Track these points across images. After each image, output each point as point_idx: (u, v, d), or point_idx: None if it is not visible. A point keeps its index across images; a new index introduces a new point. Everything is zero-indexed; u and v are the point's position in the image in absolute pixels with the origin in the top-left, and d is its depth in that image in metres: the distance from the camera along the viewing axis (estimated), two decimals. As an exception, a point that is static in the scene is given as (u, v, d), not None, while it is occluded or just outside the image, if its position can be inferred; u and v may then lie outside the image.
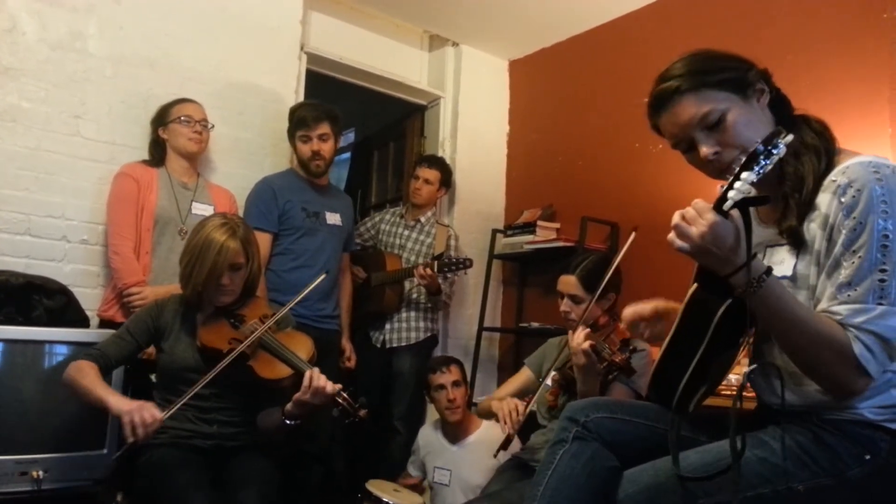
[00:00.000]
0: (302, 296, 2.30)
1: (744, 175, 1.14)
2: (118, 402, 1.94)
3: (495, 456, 2.38)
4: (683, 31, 3.35)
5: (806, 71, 2.76)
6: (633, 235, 2.16)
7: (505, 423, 2.24)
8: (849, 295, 1.21)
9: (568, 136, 3.96)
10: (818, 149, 1.32)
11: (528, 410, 2.28)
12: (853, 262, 1.21)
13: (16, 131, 2.72)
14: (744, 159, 1.15)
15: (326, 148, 3.05)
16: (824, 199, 1.28)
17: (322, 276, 2.38)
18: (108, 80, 2.94)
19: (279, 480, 2.13)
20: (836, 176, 1.27)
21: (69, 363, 2.07)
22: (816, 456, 1.25)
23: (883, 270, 1.20)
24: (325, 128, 3.02)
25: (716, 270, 1.24)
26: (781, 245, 1.35)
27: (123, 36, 2.99)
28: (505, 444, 2.26)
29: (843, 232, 1.23)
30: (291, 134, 3.08)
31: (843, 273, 1.22)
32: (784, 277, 1.32)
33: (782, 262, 1.34)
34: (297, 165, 3.16)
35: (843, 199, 1.24)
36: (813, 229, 1.29)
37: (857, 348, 1.19)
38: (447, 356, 3.30)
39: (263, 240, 2.88)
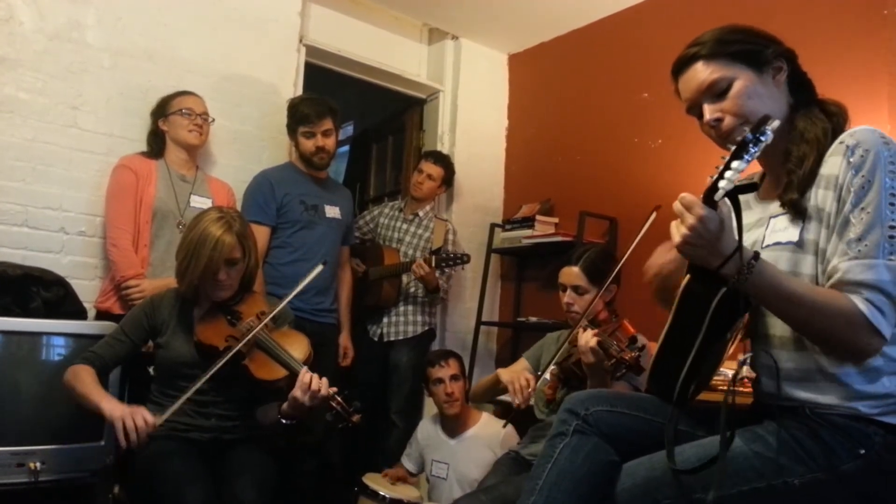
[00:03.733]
0: (300, 288, 2.28)
1: (734, 164, 1.15)
2: (111, 408, 1.92)
3: (504, 426, 2.38)
4: (683, 26, 3.33)
5: (805, 67, 2.75)
6: (654, 215, 2.13)
7: (515, 395, 2.22)
8: (859, 250, 1.22)
9: (567, 131, 3.95)
10: (826, 129, 1.34)
11: (536, 385, 2.27)
12: (862, 218, 1.22)
13: (13, 122, 2.71)
14: (733, 149, 1.16)
15: (330, 143, 3.05)
16: (832, 162, 1.29)
17: (319, 268, 2.34)
18: (106, 72, 2.93)
19: (275, 473, 2.13)
20: (843, 138, 1.29)
21: (67, 369, 2.07)
22: (811, 450, 1.25)
23: (892, 227, 1.21)
24: (328, 123, 3.02)
25: (704, 264, 1.24)
26: (784, 214, 1.36)
27: (122, 27, 2.98)
28: (515, 415, 2.27)
29: (852, 191, 1.24)
30: (292, 129, 3.07)
31: (853, 230, 1.23)
32: (790, 243, 1.33)
33: (786, 228, 1.35)
34: (296, 159, 3.15)
35: (851, 160, 1.25)
36: (822, 194, 1.30)
37: (866, 308, 1.19)
38: (446, 350, 3.31)
39: (261, 233, 2.87)
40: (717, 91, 1.39)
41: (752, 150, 1.14)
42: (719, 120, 1.38)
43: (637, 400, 1.53)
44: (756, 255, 1.22)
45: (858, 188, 1.23)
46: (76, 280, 2.72)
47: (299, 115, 3.02)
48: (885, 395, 1.26)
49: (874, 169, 1.23)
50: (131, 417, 1.86)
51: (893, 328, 1.22)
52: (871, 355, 1.23)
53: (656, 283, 1.62)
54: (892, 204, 1.22)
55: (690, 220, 1.18)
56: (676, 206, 1.21)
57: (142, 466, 2.06)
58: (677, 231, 1.21)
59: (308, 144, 3.03)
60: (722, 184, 1.16)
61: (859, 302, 1.19)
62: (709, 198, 1.17)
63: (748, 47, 1.40)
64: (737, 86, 1.37)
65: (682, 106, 1.48)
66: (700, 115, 1.44)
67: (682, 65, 1.45)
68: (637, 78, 3.46)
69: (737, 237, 1.22)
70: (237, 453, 2.12)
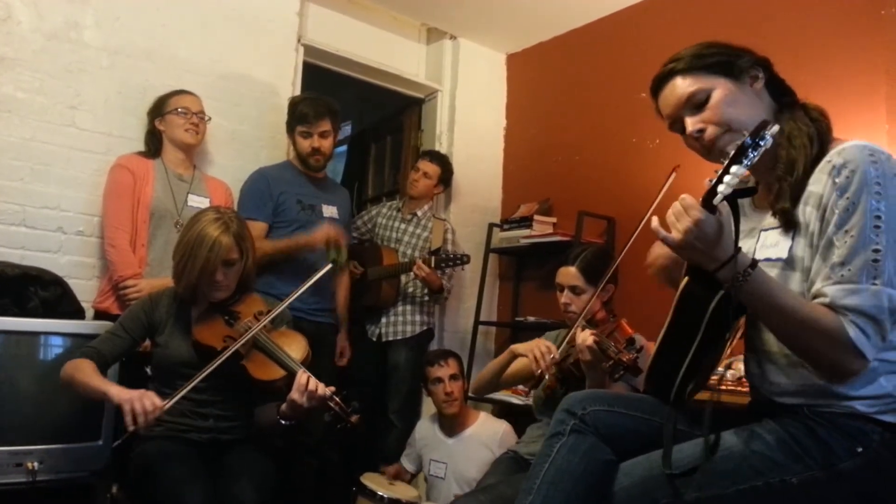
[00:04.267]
0: (305, 288, 2.27)
1: (733, 169, 1.15)
2: (119, 391, 1.93)
3: (527, 394, 2.29)
4: (681, 26, 3.34)
5: (804, 67, 2.76)
6: (672, 176, 2.12)
7: (538, 361, 2.18)
8: (842, 275, 1.21)
9: (565, 131, 3.95)
10: (811, 134, 1.34)
11: (558, 355, 2.20)
12: (846, 242, 1.22)
13: (11, 122, 2.71)
14: (732, 153, 1.16)
15: (327, 144, 3.04)
16: (818, 180, 1.29)
17: (328, 267, 2.35)
18: (104, 71, 2.93)
19: (274, 473, 2.13)
20: (831, 157, 1.29)
21: (65, 363, 2.06)
22: (809, 449, 1.26)
23: (876, 250, 1.20)
24: (326, 124, 3.01)
25: (701, 266, 1.24)
26: (775, 228, 1.36)
27: (120, 26, 2.97)
28: (536, 383, 2.22)
29: (836, 212, 1.24)
30: (291, 127, 3.06)
31: (837, 253, 1.23)
32: (779, 260, 1.33)
33: (776, 244, 1.35)
34: (294, 158, 3.15)
35: (836, 180, 1.25)
36: (808, 212, 1.30)
37: (853, 332, 1.19)
38: (445, 349, 3.30)
39: (257, 229, 2.86)
40: (696, 103, 1.41)
41: (752, 155, 1.14)
42: (702, 130, 1.40)
43: (635, 400, 1.53)
44: (754, 263, 1.22)
45: (843, 210, 1.23)
46: (74, 280, 2.71)
47: (298, 114, 3.01)
48: (883, 396, 1.26)
49: (860, 191, 1.22)
50: (140, 400, 1.87)
51: (879, 347, 1.21)
52: (852, 376, 1.23)
53: (656, 271, 1.64)
54: (876, 227, 1.21)
55: (687, 222, 1.19)
56: (676, 206, 1.22)
57: (140, 466, 2.06)
58: (675, 231, 1.22)
59: (304, 144, 3.02)
60: (721, 188, 1.15)
61: (847, 324, 1.19)
62: (707, 202, 1.18)
63: (722, 58, 1.42)
64: (716, 95, 1.39)
65: (664, 138, 1.50)
66: (682, 131, 1.45)
67: (659, 82, 1.47)
68: (635, 78, 3.46)
69: (738, 242, 1.21)
70: (236, 454, 2.12)
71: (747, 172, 1.16)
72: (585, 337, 2.01)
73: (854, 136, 1.37)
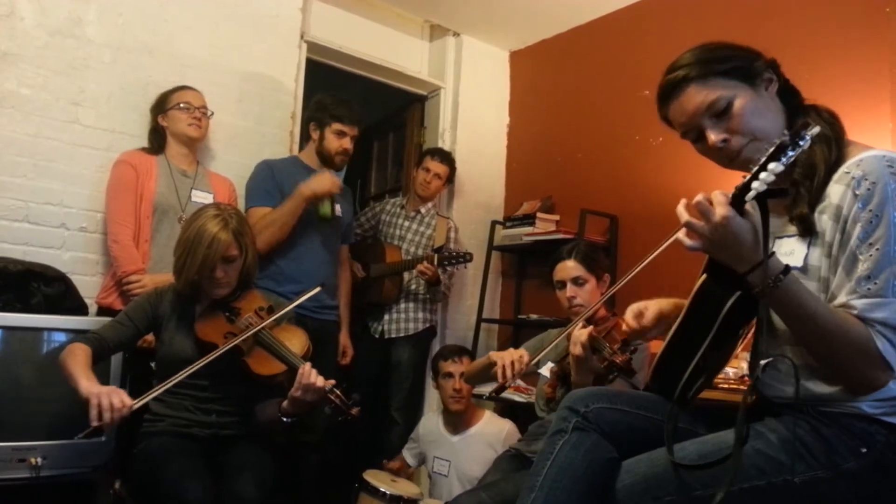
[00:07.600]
0: (297, 303, 2.30)
1: (771, 166, 1.11)
2: (88, 385, 1.88)
3: (488, 397, 2.25)
4: (685, 23, 3.34)
5: (807, 65, 2.75)
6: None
7: (502, 372, 2.12)
8: (868, 289, 1.20)
9: (568, 128, 3.95)
10: (828, 138, 1.31)
11: (533, 363, 2.14)
12: (871, 255, 1.20)
13: (14, 118, 2.71)
14: (771, 150, 1.12)
15: (351, 149, 3.06)
16: (837, 191, 1.27)
17: (316, 289, 2.35)
18: (108, 67, 2.93)
19: (275, 470, 2.13)
20: (849, 168, 1.27)
21: (66, 346, 2.05)
22: (813, 449, 1.25)
23: None
24: (356, 130, 3.05)
25: (731, 266, 1.22)
26: (790, 236, 1.35)
27: (123, 22, 2.97)
28: (497, 391, 2.13)
29: (859, 224, 1.22)
30: (322, 123, 3.02)
31: (861, 266, 1.21)
32: (794, 268, 1.30)
33: (792, 252, 1.33)
34: (307, 154, 3.10)
35: (857, 192, 1.23)
36: (825, 221, 1.28)
37: (881, 344, 1.18)
38: (462, 346, 3.27)
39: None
40: (716, 111, 1.35)
41: (790, 154, 1.11)
42: (726, 141, 1.35)
43: (637, 397, 1.53)
44: (787, 269, 1.20)
45: (866, 223, 1.21)
46: (77, 276, 2.71)
47: (338, 114, 3.00)
48: (890, 398, 1.25)
49: (883, 204, 1.20)
50: (107, 396, 1.83)
51: None
52: (878, 388, 1.22)
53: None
54: None
55: (716, 220, 1.16)
56: (702, 203, 1.17)
57: (143, 462, 2.07)
58: (701, 229, 1.18)
59: (336, 143, 3.00)
60: (755, 185, 1.12)
61: (874, 335, 1.19)
62: (739, 198, 1.15)
63: (738, 63, 1.37)
64: (737, 104, 1.34)
65: (668, 136, 1.46)
66: (696, 139, 1.41)
67: (670, 90, 1.41)
68: (638, 75, 3.46)
69: (767, 242, 1.19)
70: (237, 450, 2.12)
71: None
72: (581, 333, 2.01)
73: (858, 136, 1.37)
